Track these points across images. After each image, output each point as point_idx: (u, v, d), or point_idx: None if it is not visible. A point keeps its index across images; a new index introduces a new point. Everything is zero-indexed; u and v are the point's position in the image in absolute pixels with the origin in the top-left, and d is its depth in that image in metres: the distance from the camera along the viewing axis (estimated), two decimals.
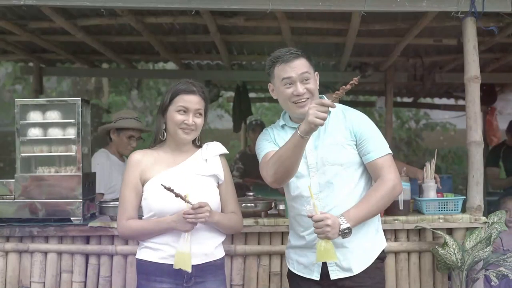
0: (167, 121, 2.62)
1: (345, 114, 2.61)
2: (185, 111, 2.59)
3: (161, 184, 2.45)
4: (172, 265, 2.50)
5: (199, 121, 2.62)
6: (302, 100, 2.53)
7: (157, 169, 2.61)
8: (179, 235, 2.51)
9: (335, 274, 2.55)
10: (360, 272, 2.54)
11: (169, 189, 2.43)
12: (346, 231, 2.43)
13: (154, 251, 2.56)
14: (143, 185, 2.62)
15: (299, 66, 2.52)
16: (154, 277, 2.54)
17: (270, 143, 2.64)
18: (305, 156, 2.55)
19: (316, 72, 2.61)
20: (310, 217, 2.42)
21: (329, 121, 2.54)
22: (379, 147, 2.56)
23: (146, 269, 2.57)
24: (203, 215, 2.48)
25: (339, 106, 2.62)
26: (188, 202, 2.46)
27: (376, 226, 2.64)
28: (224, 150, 2.74)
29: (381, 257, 2.64)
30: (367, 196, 2.54)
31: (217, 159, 2.71)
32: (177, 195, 2.44)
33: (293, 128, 2.55)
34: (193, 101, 2.60)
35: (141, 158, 2.63)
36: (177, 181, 2.54)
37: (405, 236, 3.31)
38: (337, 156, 2.54)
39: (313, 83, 2.55)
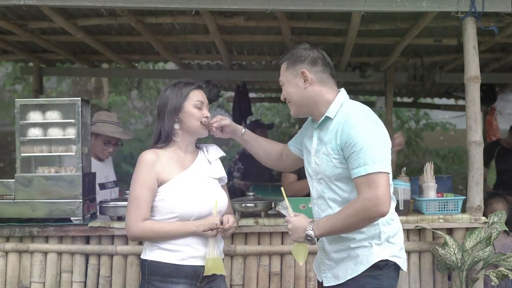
0: (185, 119, 2.60)
1: (343, 125, 2.42)
2: (201, 105, 2.63)
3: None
4: (190, 266, 2.53)
5: (210, 115, 2.68)
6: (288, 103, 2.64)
7: (172, 170, 2.57)
8: (200, 236, 2.55)
9: (326, 281, 2.56)
10: (348, 280, 2.47)
11: None
12: (308, 238, 2.42)
13: (173, 253, 2.54)
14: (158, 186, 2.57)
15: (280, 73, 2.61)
16: (171, 278, 2.53)
17: (298, 136, 2.77)
18: (311, 159, 2.57)
19: (303, 70, 2.49)
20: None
21: (329, 129, 2.48)
22: (363, 164, 2.33)
23: (162, 271, 2.53)
24: (232, 231, 2.61)
25: (349, 113, 2.45)
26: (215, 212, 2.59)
27: (376, 240, 2.45)
28: (223, 153, 2.79)
29: (379, 265, 2.44)
30: (339, 210, 2.43)
31: (219, 162, 2.76)
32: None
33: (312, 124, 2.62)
34: (203, 95, 2.67)
35: (156, 158, 2.55)
36: (195, 183, 2.59)
37: (405, 236, 3.29)
38: (325, 167, 2.48)
39: (287, 88, 2.56)
